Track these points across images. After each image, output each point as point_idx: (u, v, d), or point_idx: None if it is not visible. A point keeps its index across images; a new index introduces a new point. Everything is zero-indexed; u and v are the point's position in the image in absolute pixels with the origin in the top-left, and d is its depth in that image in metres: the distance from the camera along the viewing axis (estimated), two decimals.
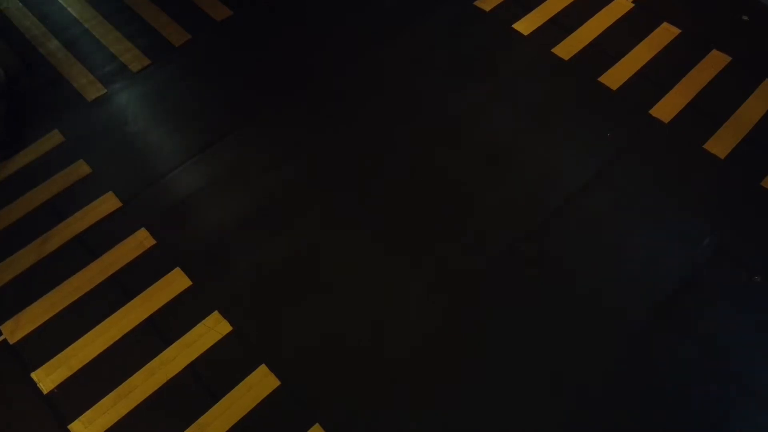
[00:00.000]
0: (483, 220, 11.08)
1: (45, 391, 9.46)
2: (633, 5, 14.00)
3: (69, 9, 14.03)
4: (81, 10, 14.05)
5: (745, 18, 13.91)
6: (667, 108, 12.46)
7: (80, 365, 9.66)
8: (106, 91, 12.78)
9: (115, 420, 9.21)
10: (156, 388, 9.47)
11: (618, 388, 9.45)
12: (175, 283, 10.40)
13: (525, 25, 13.74)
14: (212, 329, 9.95)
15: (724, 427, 9.17)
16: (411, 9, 14.05)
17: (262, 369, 9.62)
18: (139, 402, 9.35)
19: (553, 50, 13.33)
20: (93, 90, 12.78)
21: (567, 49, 13.36)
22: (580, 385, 9.48)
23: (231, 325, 10.01)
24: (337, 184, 11.52)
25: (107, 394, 9.42)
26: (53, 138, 12.07)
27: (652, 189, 11.45)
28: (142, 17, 13.92)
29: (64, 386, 9.49)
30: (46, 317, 10.09)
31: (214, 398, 9.38)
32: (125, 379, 9.53)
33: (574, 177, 11.59)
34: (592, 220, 11.07)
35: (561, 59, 13.20)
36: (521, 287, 10.39)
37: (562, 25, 13.77)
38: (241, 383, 9.49)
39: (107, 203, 11.25)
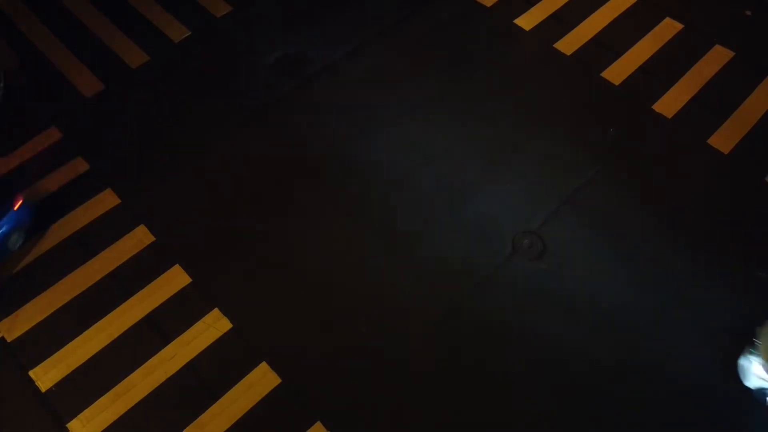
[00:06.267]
0: (483, 217, 11.00)
1: (43, 390, 9.38)
2: (635, 0, 13.92)
3: (69, 7, 13.95)
4: (80, 7, 13.96)
5: (749, 13, 13.81)
6: (670, 103, 12.37)
7: (78, 363, 9.57)
8: (104, 87, 12.69)
9: (114, 418, 9.13)
10: (155, 386, 9.38)
11: (621, 383, 9.42)
12: (175, 280, 10.31)
13: (526, 21, 13.65)
14: (212, 326, 9.86)
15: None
16: (411, 4, 13.96)
17: (263, 367, 9.53)
18: (137, 400, 9.27)
19: (554, 45, 13.24)
20: (91, 86, 12.69)
21: (569, 44, 13.26)
22: (585, 379, 9.44)
23: (231, 322, 9.93)
24: (338, 183, 11.43)
25: (106, 392, 9.33)
26: (51, 135, 11.97)
27: (655, 185, 11.37)
28: (140, 12, 13.83)
29: (62, 384, 9.40)
30: (44, 315, 10.00)
31: (214, 397, 9.30)
32: (124, 378, 9.44)
33: (577, 173, 11.49)
34: (595, 217, 10.98)
35: (563, 54, 13.10)
36: (523, 284, 10.30)
37: (563, 20, 13.67)
38: (240, 381, 9.40)
39: (106, 200, 11.15)
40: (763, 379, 8.94)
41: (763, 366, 8.91)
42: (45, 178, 11.41)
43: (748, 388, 9.33)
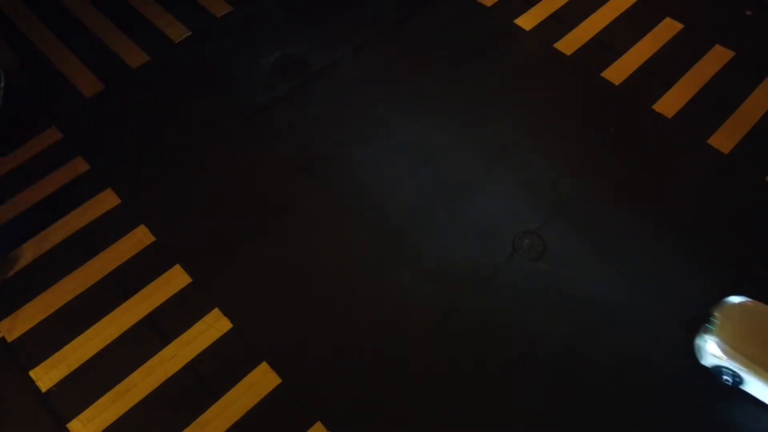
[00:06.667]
0: (483, 217, 10.99)
1: (43, 390, 9.38)
2: (635, 0, 13.92)
3: (69, 7, 13.95)
4: (80, 7, 13.96)
5: (749, 13, 13.81)
6: (670, 103, 12.37)
7: (78, 363, 9.57)
8: (104, 87, 12.69)
9: (114, 419, 9.13)
10: (155, 386, 9.38)
11: (621, 383, 9.44)
12: (175, 280, 10.31)
13: (527, 21, 13.64)
14: (212, 327, 9.86)
15: None
16: (411, 4, 13.96)
17: (263, 367, 9.53)
18: (138, 400, 9.27)
19: (555, 45, 13.23)
20: (91, 86, 12.69)
21: (569, 44, 13.25)
22: (589, 381, 9.44)
23: (231, 322, 9.93)
24: (338, 183, 11.43)
25: (106, 392, 9.33)
26: (51, 134, 11.97)
27: (655, 185, 11.36)
28: (140, 12, 13.82)
29: (62, 384, 9.40)
30: (45, 315, 10.00)
31: (214, 397, 9.30)
32: (124, 378, 9.44)
33: (577, 173, 11.49)
34: (595, 217, 10.98)
35: (563, 54, 13.10)
36: (523, 284, 10.30)
37: (563, 20, 13.67)
38: (241, 381, 9.40)
39: (106, 200, 11.15)
40: (717, 357, 9.16)
41: (718, 345, 9.15)
42: (45, 178, 11.41)
43: (704, 367, 9.51)
